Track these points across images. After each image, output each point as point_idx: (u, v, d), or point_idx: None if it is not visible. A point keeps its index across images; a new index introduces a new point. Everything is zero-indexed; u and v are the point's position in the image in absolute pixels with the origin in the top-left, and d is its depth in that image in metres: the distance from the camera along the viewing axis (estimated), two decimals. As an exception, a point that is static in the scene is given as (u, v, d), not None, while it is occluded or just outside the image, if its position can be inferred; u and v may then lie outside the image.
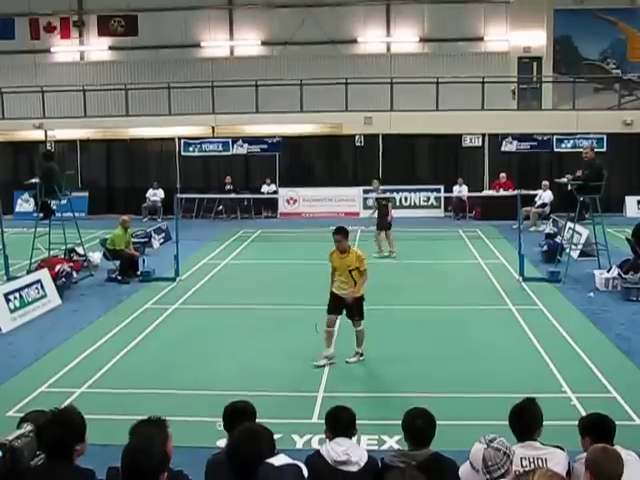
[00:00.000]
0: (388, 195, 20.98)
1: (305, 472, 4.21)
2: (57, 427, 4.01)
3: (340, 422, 5.16)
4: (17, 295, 13.44)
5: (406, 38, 32.97)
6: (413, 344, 11.70)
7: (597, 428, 4.90)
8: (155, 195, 27.39)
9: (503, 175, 26.05)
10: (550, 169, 26.55)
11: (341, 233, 10.49)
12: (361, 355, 10.75)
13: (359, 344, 10.75)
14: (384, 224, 19.32)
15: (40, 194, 16.95)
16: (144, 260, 17.82)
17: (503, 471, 4.13)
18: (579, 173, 16.53)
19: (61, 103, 30.01)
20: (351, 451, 4.93)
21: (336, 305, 10.68)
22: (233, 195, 26.40)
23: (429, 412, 5.01)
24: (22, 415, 4.42)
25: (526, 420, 4.98)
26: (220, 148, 28.77)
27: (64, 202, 17.88)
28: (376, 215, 19.79)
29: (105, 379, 10.18)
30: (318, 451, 5.06)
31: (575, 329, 12.20)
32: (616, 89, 30.44)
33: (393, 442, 7.80)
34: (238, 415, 4.88)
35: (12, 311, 13.16)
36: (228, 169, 28.22)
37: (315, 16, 32.17)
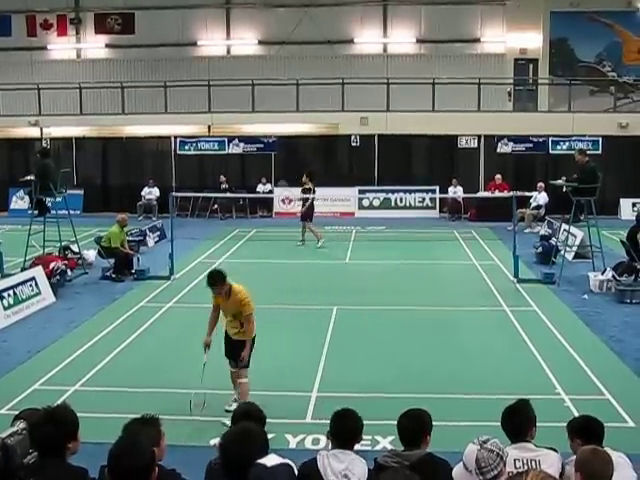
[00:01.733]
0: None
1: (296, 470, 4.20)
2: (49, 425, 4.00)
3: (346, 430, 4.89)
4: (11, 292, 13.40)
5: (403, 39, 33.00)
6: (407, 345, 11.72)
7: (585, 430, 4.91)
8: (150, 193, 27.32)
9: (499, 177, 26.06)
10: (545, 171, 26.55)
11: (215, 283, 8.69)
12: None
13: (242, 398, 8.55)
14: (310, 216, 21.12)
15: (35, 191, 16.90)
16: (139, 258, 17.78)
17: (496, 472, 4.13)
18: (575, 176, 16.56)
19: (57, 100, 29.95)
20: (350, 470, 4.68)
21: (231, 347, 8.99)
22: (229, 194, 26.40)
23: (420, 413, 4.97)
24: (15, 413, 4.41)
25: (518, 421, 4.98)
26: (216, 147, 28.72)
27: (59, 200, 17.86)
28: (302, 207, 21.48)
29: (99, 377, 10.17)
30: (315, 461, 4.74)
31: (569, 331, 12.22)
32: (612, 92, 30.54)
33: (387, 442, 7.81)
34: (245, 417, 4.81)
35: (6, 308, 13.12)
36: (224, 168, 28.18)
37: (312, 16, 32.17)
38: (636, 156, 27.07)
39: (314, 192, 21.24)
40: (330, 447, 4.92)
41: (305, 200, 21.22)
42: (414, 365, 10.64)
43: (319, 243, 20.72)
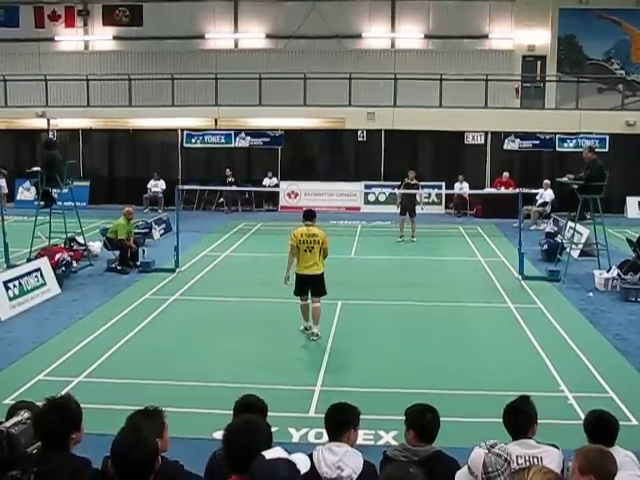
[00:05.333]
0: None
1: (299, 466, 4.17)
2: (53, 415, 3.99)
3: (337, 423, 4.92)
4: (16, 283, 13.43)
5: (411, 34, 32.89)
6: (412, 340, 11.70)
7: (599, 428, 4.91)
8: (156, 186, 27.37)
9: (506, 174, 26.03)
10: (552, 168, 26.51)
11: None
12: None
13: (316, 319, 11.75)
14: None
15: (41, 182, 16.93)
16: (144, 251, 17.81)
17: (503, 478, 4.11)
18: (581, 173, 16.53)
19: (64, 92, 30.00)
20: (344, 462, 4.70)
21: None
22: (234, 187, 26.40)
23: (435, 407, 5.01)
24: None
25: (520, 418, 4.98)
26: (222, 140, 28.74)
27: (65, 191, 17.88)
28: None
29: (103, 369, 10.19)
30: (311, 455, 4.73)
31: (573, 328, 12.20)
32: (620, 89, 30.45)
33: (390, 437, 7.80)
34: (246, 410, 4.82)
35: (11, 299, 13.15)
36: (230, 161, 28.20)
37: (320, 10, 32.11)
38: (643, 154, 27.02)
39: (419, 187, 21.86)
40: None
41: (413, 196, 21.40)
42: (417, 360, 10.63)
43: (401, 238, 21.01)
